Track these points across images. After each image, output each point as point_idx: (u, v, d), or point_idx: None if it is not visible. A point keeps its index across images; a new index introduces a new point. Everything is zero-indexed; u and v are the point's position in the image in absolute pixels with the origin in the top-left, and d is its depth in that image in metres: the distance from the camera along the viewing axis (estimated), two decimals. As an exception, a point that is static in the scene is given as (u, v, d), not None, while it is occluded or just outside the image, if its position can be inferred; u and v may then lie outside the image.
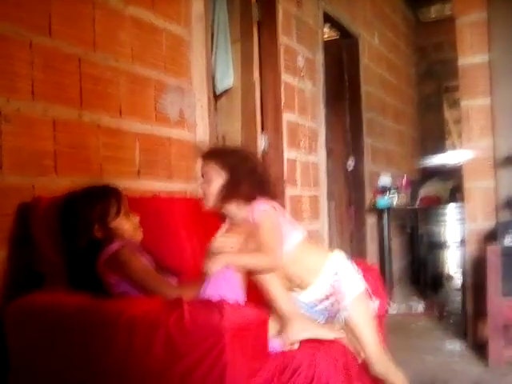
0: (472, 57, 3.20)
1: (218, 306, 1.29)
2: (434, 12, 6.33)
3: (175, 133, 2.51)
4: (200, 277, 1.58)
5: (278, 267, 1.67)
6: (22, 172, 1.80)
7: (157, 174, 2.39)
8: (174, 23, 2.54)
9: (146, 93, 2.36)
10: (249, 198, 1.74)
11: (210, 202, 1.76)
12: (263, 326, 1.39)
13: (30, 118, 1.83)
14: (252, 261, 1.64)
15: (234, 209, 1.78)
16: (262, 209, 1.72)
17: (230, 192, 1.73)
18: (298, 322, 1.64)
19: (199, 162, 1.93)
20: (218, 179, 1.74)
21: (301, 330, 1.62)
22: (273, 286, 1.66)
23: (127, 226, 1.72)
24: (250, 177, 1.76)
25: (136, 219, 1.77)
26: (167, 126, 2.46)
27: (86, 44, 2.07)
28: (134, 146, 2.27)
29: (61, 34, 1.95)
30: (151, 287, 1.58)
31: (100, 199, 1.69)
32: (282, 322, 1.65)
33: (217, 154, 1.82)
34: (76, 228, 1.65)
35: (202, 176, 1.80)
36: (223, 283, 1.54)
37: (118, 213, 1.70)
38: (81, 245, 1.64)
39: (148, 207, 1.92)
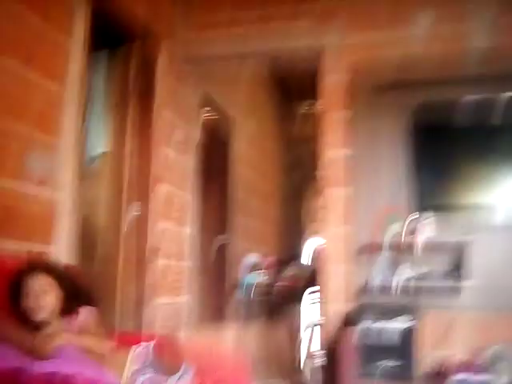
0: (334, 150, 3.46)
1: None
2: (308, 105, 6.82)
3: (37, 192, 2.36)
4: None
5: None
6: None
7: (12, 234, 2.21)
8: (49, 79, 2.45)
9: (9, 147, 2.21)
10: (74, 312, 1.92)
11: (45, 313, 1.84)
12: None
13: None
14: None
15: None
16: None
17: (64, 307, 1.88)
18: None
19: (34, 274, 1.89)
20: (52, 294, 1.85)
21: None
22: None
23: None
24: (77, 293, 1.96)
25: None
26: (29, 183, 2.31)
27: None
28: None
29: None
30: None
31: None
32: None
33: (51, 270, 1.92)
34: None
35: (37, 287, 1.84)
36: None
37: None
38: None
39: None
